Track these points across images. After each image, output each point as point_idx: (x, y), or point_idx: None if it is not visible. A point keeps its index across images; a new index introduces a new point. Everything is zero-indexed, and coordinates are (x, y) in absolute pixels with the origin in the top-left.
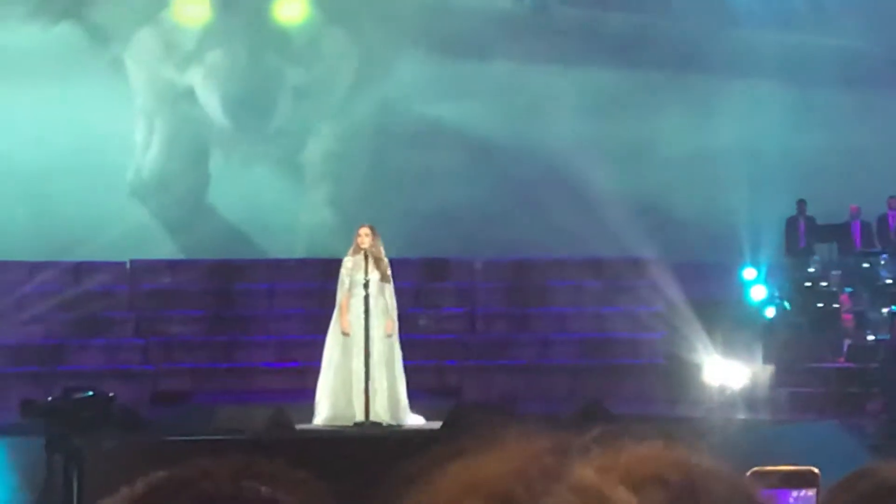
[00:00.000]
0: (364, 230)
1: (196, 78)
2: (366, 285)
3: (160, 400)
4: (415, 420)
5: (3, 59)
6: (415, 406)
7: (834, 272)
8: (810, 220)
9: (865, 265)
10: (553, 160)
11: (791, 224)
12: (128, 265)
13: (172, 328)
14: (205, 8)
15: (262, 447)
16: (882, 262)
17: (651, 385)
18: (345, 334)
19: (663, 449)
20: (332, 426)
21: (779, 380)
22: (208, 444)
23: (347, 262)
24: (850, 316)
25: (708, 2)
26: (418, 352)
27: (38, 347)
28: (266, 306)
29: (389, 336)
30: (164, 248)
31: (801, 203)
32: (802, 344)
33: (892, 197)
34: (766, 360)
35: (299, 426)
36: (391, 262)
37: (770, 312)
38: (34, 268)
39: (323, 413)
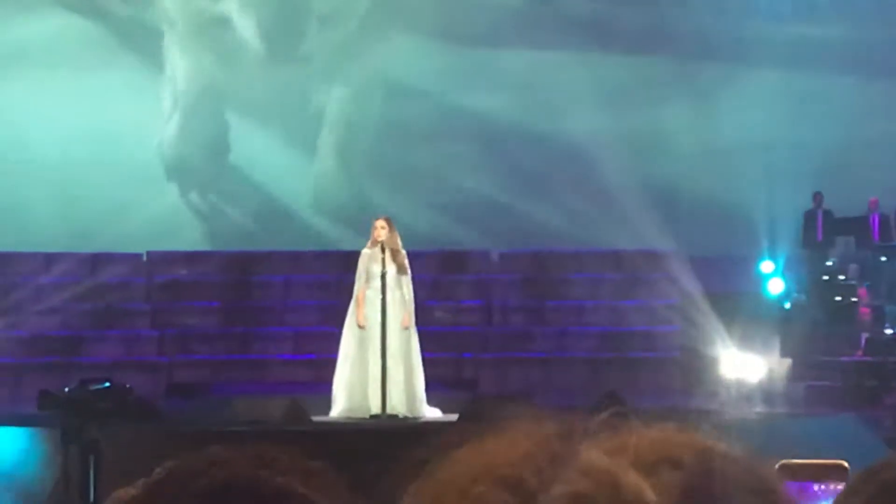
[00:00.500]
0: (380, 223)
1: (232, 6)
2: (383, 277)
3: (176, 391)
4: (431, 413)
5: (24, 49)
6: (432, 398)
7: (852, 265)
8: (828, 213)
9: (883, 258)
10: (571, 152)
11: (808, 217)
12: (144, 256)
13: (189, 320)
14: None
15: (278, 439)
16: None
17: (668, 378)
18: (360, 327)
19: (676, 431)
20: (348, 418)
21: (796, 373)
22: (224, 436)
23: (364, 255)
24: (867, 309)
25: None
26: (435, 344)
27: (54, 338)
28: (282, 298)
29: (406, 328)
30: (188, 238)
31: (818, 195)
32: (820, 337)
33: None
34: (784, 353)
35: (316, 418)
36: (408, 254)
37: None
38: (51, 259)
39: (339, 405)
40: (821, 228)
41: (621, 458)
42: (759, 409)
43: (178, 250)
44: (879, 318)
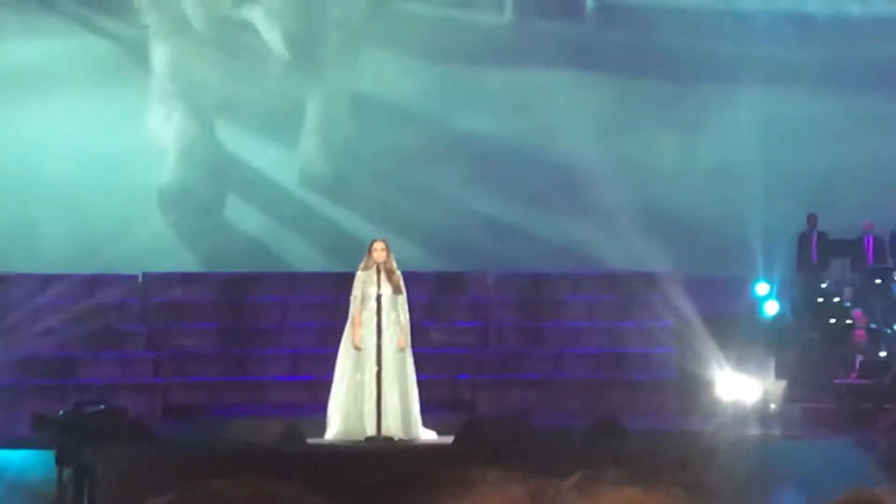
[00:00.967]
0: (379, 244)
1: (257, 14)
2: (378, 298)
3: (172, 413)
4: (427, 435)
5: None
6: (427, 420)
7: (846, 288)
8: (822, 235)
9: (878, 281)
10: (566, 174)
11: (803, 239)
12: (140, 278)
13: (185, 341)
14: None
15: (273, 461)
16: (895, 278)
17: (664, 400)
18: (356, 348)
19: (645, 495)
20: (343, 441)
21: (791, 395)
22: (220, 458)
23: (360, 276)
24: (862, 332)
25: (717, 13)
26: (431, 366)
27: (50, 360)
28: (278, 319)
29: (402, 350)
30: (189, 258)
31: (812, 217)
32: (815, 359)
33: None
34: (779, 375)
35: (311, 440)
36: (404, 275)
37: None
38: (47, 280)
39: (335, 427)
40: (815, 250)
41: None
42: (755, 431)
43: (174, 272)
44: (874, 341)
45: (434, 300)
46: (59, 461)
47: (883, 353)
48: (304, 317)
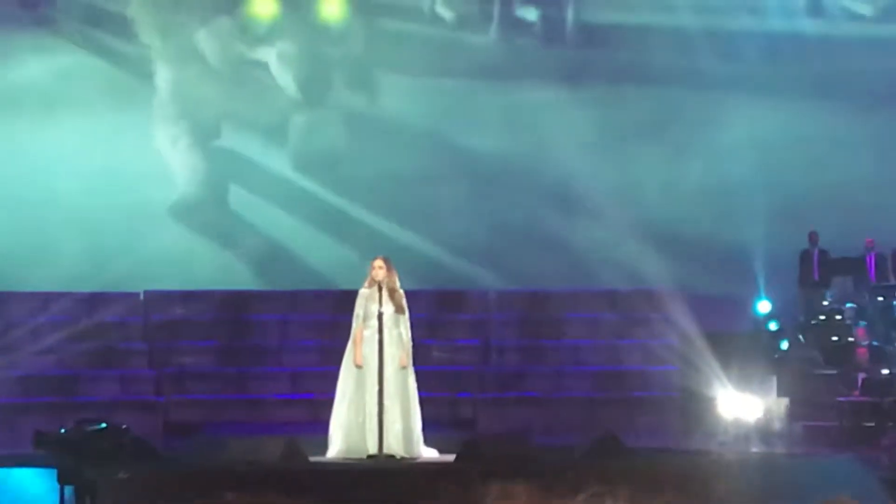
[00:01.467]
0: (378, 262)
1: (271, 56)
2: (380, 317)
3: (173, 431)
4: (428, 453)
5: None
6: (428, 438)
7: (848, 305)
8: (824, 252)
9: (880, 298)
10: (567, 192)
11: (804, 257)
12: (141, 296)
13: (185, 359)
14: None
15: (275, 479)
16: None
17: (665, 418)
18: (358, 367)
19: None
20: (345, 459)
21: (793, 413)
22: (221, 476)
23: (362, 294)
24: (864, 349)
25: (714, 34)
26: (432, 384)
27: (51, 378)
28: (279, 338)
29: (404, 368)
30: (190, 276)
31: (814, 235)
32: (817, 377)
33: None
34: (781, 393)
35: (312, 458)
36: (406, 293)
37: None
38: (48, 298)
39: (336, 446)
40: (817, 268)
41: None
42: (757, 449)
43: (175, 290)
44: (876, 359)
45: (435, 318)
46: (61, 479)
47: (885, 371)
48: (304, 335)
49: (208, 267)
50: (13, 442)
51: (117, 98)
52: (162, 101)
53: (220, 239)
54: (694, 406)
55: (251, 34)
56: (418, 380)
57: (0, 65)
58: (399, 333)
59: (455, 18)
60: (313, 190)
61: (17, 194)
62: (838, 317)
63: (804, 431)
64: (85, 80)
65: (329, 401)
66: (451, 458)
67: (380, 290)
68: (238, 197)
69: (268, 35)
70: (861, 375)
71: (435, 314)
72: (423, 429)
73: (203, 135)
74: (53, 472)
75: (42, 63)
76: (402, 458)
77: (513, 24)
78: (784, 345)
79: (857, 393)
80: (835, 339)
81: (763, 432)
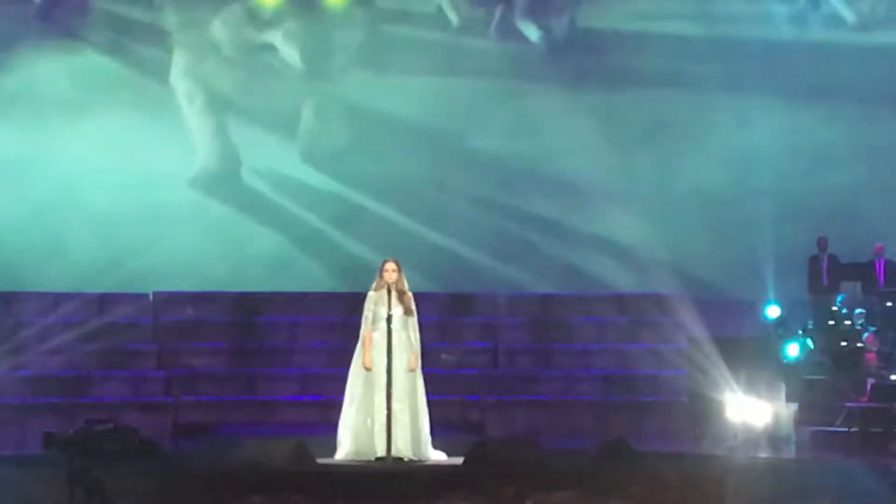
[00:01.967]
0: (390, 265)
1: (277, 37)
2: (388, 320)
3: (182, 432)
4: (437, 456)
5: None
6: (437, 441)
7: (858, 311)
8: (833, 258)
9: (889, 304)
10: (577, 196)
11: (813, 262)
12: (151, 297)
13: (195, 360)
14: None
15: (283, 481)
16: None
17: (674, 422)
18: (367, 369)
19: None
20: (353, 461)
21: (802, 418)
22: (230, 478)
23: (371, 297)
24: (873, 355)
25: (723, 42)
26: (441, 387)
27: (60, 378)
28: (289, 339)
29: (412, 371)
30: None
31: (822, 241)
32: (826, 383)
33: None
34: (790, 398)
35: (321, 460)
36: (415, 296)
37: (793, 350)
38: (58, 299)
39: (345, 448)
40: (826, 274)
41: None
42: (765, 454)
43: (185, 291)
44: (885, 364)
45: (444, 321)
46: (70, 480)
47: (894, 377)
48: (314, 337)
49: (221, 268)
50: (23, 442)
51: (135, 101)
52: (181, 85)
53: (234, 237)
54: (703, 410)
55: (259, 19)
56: (427, 382)
57: (20, 70)
58: (408, 336)
59: (459, 23)
60: (321, 187)
61: (39, 196)
62: (847, 322)
63: (812, 437)
64: (104, 85)
65: (338, 403)
66: (459, 461)
67: (389, 292)
68: (250, 194)
69: (274, 18)
70: (870, 381)
71: (444, 317)
72: (432, 432)
73: (218, 113)
74: (63, 473)
75: (62, 68)
76: (411, 461)
77: (512, 30)
78: (790, 350)
79: (865, 399)
80: (844, 344)
81: (771, 437)
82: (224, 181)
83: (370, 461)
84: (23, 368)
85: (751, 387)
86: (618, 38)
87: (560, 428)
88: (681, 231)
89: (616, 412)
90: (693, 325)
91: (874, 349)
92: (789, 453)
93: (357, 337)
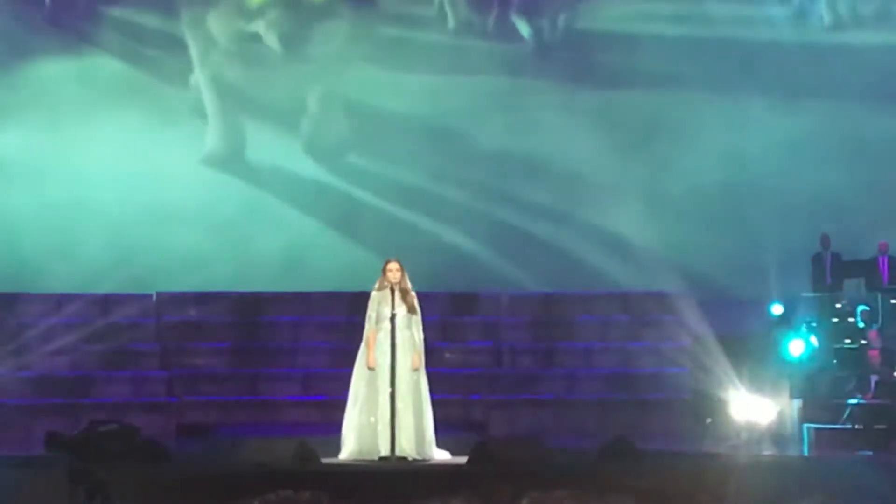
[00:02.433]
0: (394, 265)
1: (260, 25)
2: (392, 319)
3: (185, 432)
4: (440, 455)
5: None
6: (441, 440)
7: (861, 308)
8: (836, 256)
9: (893, 301)
10: (580, 194)
11: (817, 260)
12: (154, 297)
13: (198, 360)
14: None
15: (287, 481)
16: None
17: (677, 420)
18: (370, 369)
19: None
20: (357, 460)
21: (805, 416)
22: (233, 478)
23: (374, 297)
24: (877, 352)
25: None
26: (444, 386)
27: (64, 379)
28: (292, 339)
29: (416, 370)
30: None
31: (826, 238)
32: (829, 380)
33: None
34: (793, 395)
35: (325, 460)
36: (418, 295)
37: (797, 348)
38: (61, 300)
39: (349, 447)
40: (829, 271)
41: None
42: (769, 451)
43: (188, 291)
44: (889, 361)
45: (447, 320)
46: (73, 480)
47: None
48: (317, 337)
49: (226, 268)
50: (27, 443)
51: (145, 103)
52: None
53: (241, 236)
54: (706, 408)
55: (247, 12)
56: (430, 382)
57: (31, 75)
58: (411, 335)
59: (457, 22)
60: (323, 184)
61: (50, 198)
62: (851, 319)
63: (816, 434)
64: (113, 87)
65: (341, 402)
66: (463, 460)
67: (392, 291)
68: (255, 193)
69: (260, 10)
70: (874, 378)
71: (447, 317)
72: (436, 431)
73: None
74: (65, 473)
75: (71, 72)
76: (414, 460)
77: (510, 29)
78: (794, 347)
79: (869, 395)
80: (847, 341)
81: (775, 435)
82: (231, 162)
83: (374, 461)
84: (26, 369)
85: (754, 384)
86: (616, 37)
87: (563, 427)
88: (683, 229)
89: (619, 411)
90: (696, 323)
91: (878, 346)
92: (793, 450)
93: (361, 336)
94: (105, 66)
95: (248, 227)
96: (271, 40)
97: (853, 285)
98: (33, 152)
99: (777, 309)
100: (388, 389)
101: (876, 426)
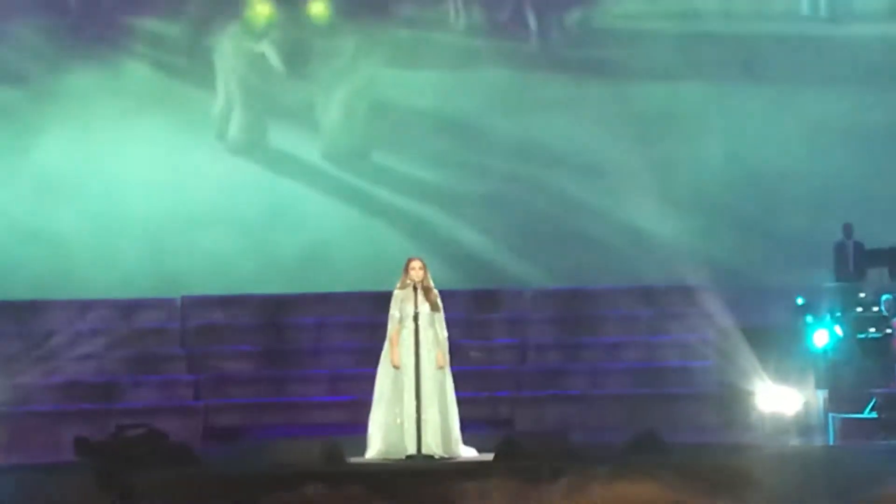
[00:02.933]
0: (417, 263)
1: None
2: (415, 318)
3: (213, 436)
4: (467, 452)
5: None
6: (467, 438)
7: (885, 297)
8: (858, 244)
9: None
10: (602, 186)
11: (839, 249)
12: (179, 301)
13: (224, 364)
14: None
15: (315, 480)
16: None
17: (704, 413)
18: (395, 367)
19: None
20: (384, 459)
21: (831, 406)
22: (261, 480)
23: (397, 296)
24: None
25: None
26: (470, 383)
27: (91, 385)
28: (316, 340)
29: (441, 368)
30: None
31: (848, 227)
32: (854, 370)
33: None
34: (819, 385)
35: (352, 459)
36: (440, 292)
37: (821, 338)
38: (86, 306)
39: (375, 446)
40: (852, 260)
41: None
42: (795, 441)
43: (212, 295)
44: None
45: (471, 318)
46: (102, 485)
47: None
48: (342, 337)
49: (250, 269)
50: (55, 449)
51: (171, 109)
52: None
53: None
54: (732, 400)
55: (253, 31)
56: (455, 380)
57: (61, 79)
58: (435, 333)
59: (467, 22)
60: (342, 183)
61: (86, 208)
62: (875, 309)
63: (842, 424)
64: (142, 94)
65: (367, 402)
66: (489, 457)
67: (415, 290)
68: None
69: (265, 31)
70: None
71: (471, 314)
72: (462, 428)
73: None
74: (94, 479)
75: (100, 81)
76: (441, 458)
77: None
78: (818, 337)
79: (893, 385)
80: (872, 330)
81: (801, 425)
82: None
83: (401, 459)
84: (54, 375)
85: (780, 375)
86: (630, 33)
87: (590, 422)
88: (705, 221)
89: (645, 405)
90: (720, 316)
91: None
92: (819, 440)
93: (385, 336)
94: (133, 73)
95: (270, 229)
96: (275, 60)
97: (876, 274)
98: (70, 164)
99: (801, 299)
100: (414, 388)
101: None
